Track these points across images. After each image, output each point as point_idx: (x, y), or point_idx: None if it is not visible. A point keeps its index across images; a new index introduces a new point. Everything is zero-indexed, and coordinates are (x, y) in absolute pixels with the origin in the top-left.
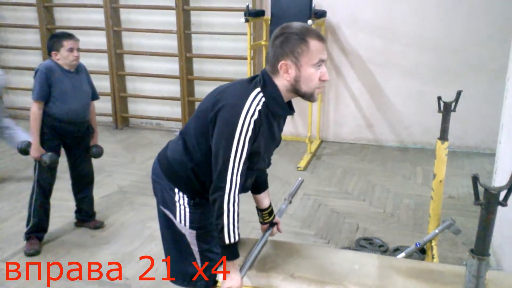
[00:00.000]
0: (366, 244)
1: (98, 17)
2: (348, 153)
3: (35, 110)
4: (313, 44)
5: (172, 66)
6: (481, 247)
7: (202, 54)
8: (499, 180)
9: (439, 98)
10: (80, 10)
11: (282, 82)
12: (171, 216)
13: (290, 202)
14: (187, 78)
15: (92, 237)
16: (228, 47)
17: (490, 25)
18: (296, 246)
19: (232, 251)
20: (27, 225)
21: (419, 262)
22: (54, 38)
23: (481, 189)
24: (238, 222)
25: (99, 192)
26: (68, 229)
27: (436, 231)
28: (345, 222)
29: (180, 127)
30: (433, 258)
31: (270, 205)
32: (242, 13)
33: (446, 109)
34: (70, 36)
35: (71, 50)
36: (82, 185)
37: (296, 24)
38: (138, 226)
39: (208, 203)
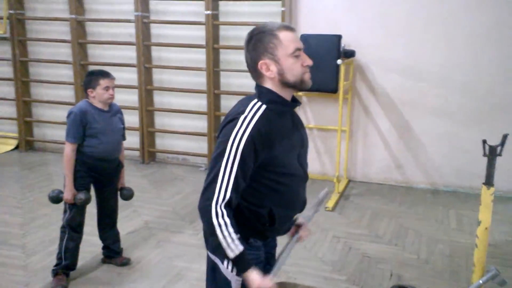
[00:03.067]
0: None
1: (129, 54)
2: (377, 194)
3: (68, 152)
4: (283, 35)
5: (200, 102)
6: None
7: (230, 91)
8: None
9: (484, 142)
10: (112, 47)
11: (270, 82)
12: (218, 262)
13: (318, 211)
14: (215, 114)
15: (118, 275)
16: (254, 83)
17: None
18: None
19: (242, 263)
20: (57, 264)
21: None
22: (91, 76)
23: None
24: (235, 233)
25: (125, 228)
26: (95, 265)
27: (481, 281)
28: (378, 268)
29: (206, 163)
30: None
31: None
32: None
33: (492, 153)
34: (107, 75)
35: (107, 88)
36: (109, 222)
37: (263, 24)
38: (164, 264)
39: (261, 245)
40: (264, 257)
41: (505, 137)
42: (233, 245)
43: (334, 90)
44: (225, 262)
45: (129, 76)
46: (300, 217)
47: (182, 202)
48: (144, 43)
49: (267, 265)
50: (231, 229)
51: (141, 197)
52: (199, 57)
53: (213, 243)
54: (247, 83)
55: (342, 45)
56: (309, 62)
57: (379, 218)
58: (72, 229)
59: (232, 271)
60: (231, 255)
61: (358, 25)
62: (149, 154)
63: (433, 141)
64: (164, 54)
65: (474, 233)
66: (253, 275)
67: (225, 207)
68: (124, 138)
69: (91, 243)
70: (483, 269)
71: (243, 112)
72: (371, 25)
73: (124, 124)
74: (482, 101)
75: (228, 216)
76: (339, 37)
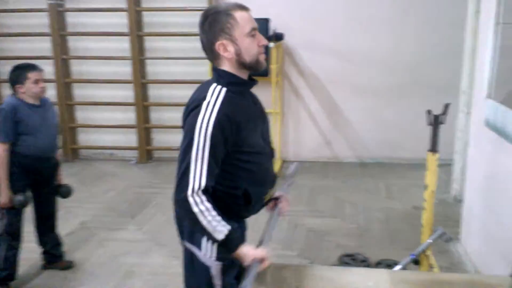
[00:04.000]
0: (349, 260)
1: (44, 45)
2: (311, 172)
3: (1, 153)
4: (239, 15)
5: (126, 93)
6: None
7: (159, 80)
8: (455, 188)
9: (429, 112)
10: (23, 39)
11: (227, 63)
12: (196, 250)
13: (292, 183)
14: (143, 105)
15: (64, 280)
16: (183, 71)
17: (439, 43)
18: (305, 269)
19: (232, 241)
20: None
21: (428, 274)
22: (17, 70)
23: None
24: (218, 215)
25: (62, 230)
26: (36, 272)
27: (430, 240)
28: (324, 240)
29: (137, 155)
30: (432, 267)
31: None
32: (199, 38)
33: (436, 122)
34: (34, 68)
35: (36, 81)
36: (48, 225)
37: (217, 4)
38: (111, 263)
39: (238, 227)
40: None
41: (447, 106)
42: (220, 227)
43: (265, 73)
44: (204, 248)
45: (45, 69)
46: (276, 192)
47: (118, 198)
48: (60, 33)
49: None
50: (213, 213)
51: (73, 197)
52: (123, 45)
53: (198, 231)
54: (175, 71)
55: (272, 28)
56: (264, 41)
57: (316, 194)
58: (11, 236)
59: (211, 256)
60: (221, 236)
61: (285, 9)
62: (72, 151)
63: (358, 118)
64: (83, 44)
65: (404, 199)
66: (245, 249)
67: (202, 194)
68: (58, 133)
69: (27, 250)
70: (431, 230)
71: (205, 98)
72: (297, 9)
73: (57, 117)
74: (402, 78)
75: (207, 201)
76: (267, 21)
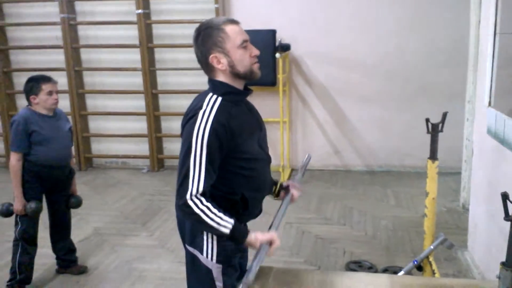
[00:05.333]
0: (356, 267)
1: (57, 57)
2: (320, 180)
3: (14, 162)
4: (229, 28)
5: (137, 103)
6: None
7: (168, 90)
8: (463, 197)
9: (427, 120)
10: (37, 51)
11: (222, 74)
12: (197, 253)
13: (304, 173)
14: (154, 115)
15: (77, 283)
16: (192, 81)
17: (444, 52)
18: (306, 273)
19: (239, 232)
20: (11, 279)
21: (428, 279)
22: (32, 82)
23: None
24: (220, 212)
25: (76, 236)
26: (51, 276)
27: (432, 247)
28: (331, 247)
29: (148, 164)
30: (434, 273)
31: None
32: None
33: (434, 130)
34: (48, 79)
35: (50, 93)
36: (62, 234)
37: (209, 19)
38: (123, 268)
39: None
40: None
41: (444, 115)
42: (224, 222)
43: (273, 83)
44: (205, 251)
45: (59, 80)
46: (288, 181)
47: (130, 205)
48: (73, 46)
49: (244, 251)
50: (215, 210)
51: (86, 204)
52: (133, 57)
53: (206, 230)
54: (185, 81)
55: (278, 39)
56: (256, 52)
57: (325, 202)
58: (26, 242)
59: (212, 259)
60: (227, 231)
61: (290, 20)
62: (85, 160)
63: (366, 126)
64: (95, 56)
65: (412, 207)
66: (254, 235)
67: (201, 195)
68: (72, 143)
69: (43, 255)
70: (432, 236)
71: (201, 107)
72: (303, 19)
73: (71, 128)
74: (409, 87)
75: (207, 201)
76: (274, 32)
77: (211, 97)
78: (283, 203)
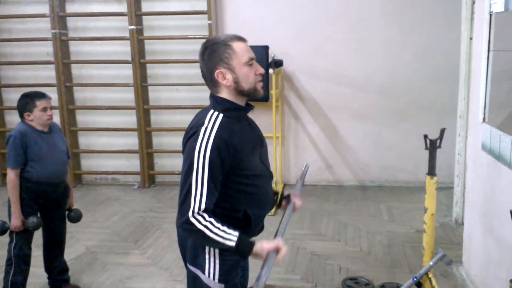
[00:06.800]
0: (353, 284)
1: (48, 73)
2: (313, 195)
3: (12, 178)
4: (237, 45)
5: (128, 119)
6: None
7: (160, 105)
8: (456, 212)
9: (426, 136)
10: (28, 67)
11: (225, 90)
12: (199, 273)
13: (303, 183)
14: (146, 130)
15: None
16: (184, 97)
17: (435, 68)
18: None
19: (244, 244)
20: None
21: None
22: (26, 99)
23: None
24: (224, 225)
25: (67, 255)
26: None
27: (431, 263)
28: (327, 264)
29: (139, 180)
30: None
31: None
32: (199, 66)
33: (432, 146)
34: (42, 96)
35: (44, 109)
36: (57, 253)
37: (216, 35)
38: (116, 287)
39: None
40: (243, 261)
41: (442, 131)
42: (228, 236)
43: (266, 99)
44: (207, 271)
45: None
46: (288, 191)
47: (122, 222)
48: (64, 61)
49: (245, 270)
50: (218, 225)
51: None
52: (125, 72)
53: (211, 245)
54: (177, 97)
55: (271, 55)
56: (261, 70)
57: (319, 217)
58: (22, 260)
59: (214, 278)
60: (232, 244)
61: (283, 36)
62: (75, 176)
63: (358, 142)
64: (86, 72)
65: (406, 222)
66: (259, 245)
67: (203, 212)
68: (68, 157)
69: (34, 274)
70: (432, 253)
71: (203, 124)
72: (295, 36)
73: (66, 142)
74: (401, 102)
75: (209, 217)
76: (266, 48)
77: (213, 113)
78: (286, 211)
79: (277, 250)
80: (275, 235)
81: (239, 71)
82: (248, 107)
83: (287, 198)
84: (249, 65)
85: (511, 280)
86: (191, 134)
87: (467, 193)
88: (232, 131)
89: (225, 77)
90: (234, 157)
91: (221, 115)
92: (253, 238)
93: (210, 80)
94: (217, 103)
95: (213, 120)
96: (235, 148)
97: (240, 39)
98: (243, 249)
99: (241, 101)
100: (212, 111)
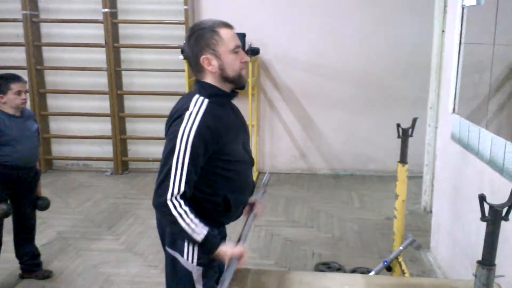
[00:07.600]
0: (325, 268)
1: (17, 55)
2: (286, 183)
3: None
4: (224, 32)
5: (101, 104)
6: (488, 258)
7: (134, 91)
8: (425, 200)
9: (398, 125)
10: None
11: (210, 76)
12: (178, 255)
13: (265, 191)
14: (119, 116)
15: None
16: (159, 83)
17: (407, 59)
18: (284, 274)
19: (210, 242)
20: None
21: (400, 278)
22: (0, 80)
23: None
24: (197, 218)
25: (38, 241)
26: (14, 281)
27: (401, 247)
28: (300, 249)
29: (112, 166)
30: (403, 273)
31: None
32: (175, 50)
33: (405, 135)
34: (18, 79)
35: (19, 93)
36: (27, 237)
37: (203, 20)
38: (90, 272)
39: (218, 234)
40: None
41: (414, 120)
42: (198, 229)
43: (242, 87)
44: (185, 254)
45: None
46: (251, 198)
47: (94, 208)
48: (35, 44)
49: None
50: (191, 216)
51: None
52: (98, 56)
53: (177, 233)
54: (151, 82)
55: (248, 43)
56: (246, 58)
57: (292, 205)
58: None
59: (192, 261)
60: (199, 238)
61: (261, 24)
62: (45, 161)
63: (332, 130)
64: (57, 55)
65: (376, 210)
66: (224, 247)
67: (180, 198)
68: (39, 143)
69: (4, 259)
70: (402, 238)
71: (187, 109)
72: (272, 24)
73: (39, 128)
74: (373, 92)
75: (185, 205)
76: (243, 35)
77: (198, 98)
78: (248, 222)
79: (239, 256)
80: (238, 241)
81: (225, 58)
82: (233, 94)
83: (250, 205)
84: (235, 52)
85: (478, 261)
86: (175, 117)
87: (436, 182)
88: (216, 117)
89: (210, 63)
90: (217, 143)
91: (206, 101)
92: None
93: (195, 65)
94: (203, 88)
95: (198, 105)
96: (219, 134)
97: (227, 26)
98: (208, 247)
99: (225, 88)
100: (197, 96)
